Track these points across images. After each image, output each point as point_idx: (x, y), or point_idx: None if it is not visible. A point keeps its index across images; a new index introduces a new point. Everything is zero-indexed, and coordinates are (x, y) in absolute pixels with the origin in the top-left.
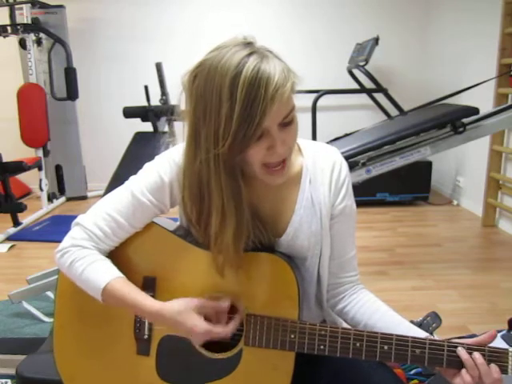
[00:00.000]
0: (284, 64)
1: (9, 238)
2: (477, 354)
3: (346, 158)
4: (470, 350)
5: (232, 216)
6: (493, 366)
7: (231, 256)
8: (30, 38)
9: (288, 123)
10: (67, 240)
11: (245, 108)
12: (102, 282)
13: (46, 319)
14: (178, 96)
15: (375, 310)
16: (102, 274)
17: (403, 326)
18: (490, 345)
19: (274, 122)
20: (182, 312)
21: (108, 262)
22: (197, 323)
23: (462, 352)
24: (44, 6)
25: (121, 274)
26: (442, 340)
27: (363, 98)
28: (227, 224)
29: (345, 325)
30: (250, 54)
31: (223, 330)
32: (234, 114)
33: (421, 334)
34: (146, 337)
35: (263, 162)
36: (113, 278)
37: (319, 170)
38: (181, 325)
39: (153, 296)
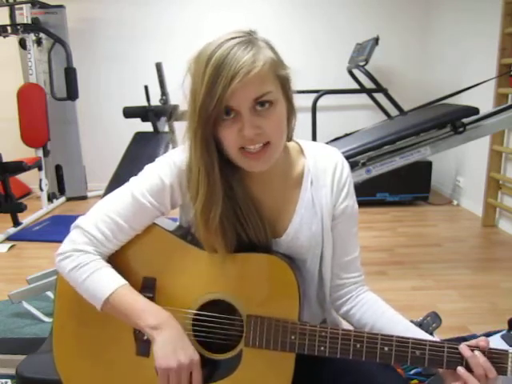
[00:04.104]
0: (267, 51)
1: (9, 238)
2: (478, 353)
3: (346, 158)
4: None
5: (204, 186)
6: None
7: (200, 231)
8: (30, 38)
9: (264, 110)
10: (68, 244)
11: (210, 84)
12: (108, 289)
13: (46, 319)
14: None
15: (381, 314)
16: (108, 282)
17: (410, 332)
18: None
19: (242, 103)
20: (185, 335)
21: (113, 270)
22: (196, 351)
23: (464, 349)
24: (44, 5)
25: (127, 282)
26: (442, 341)
27: (363, 98)
28: (199, 197)
29: (345, 325)
30: (232, 38)
31: (201, 381)
32: (202, 89)
33: (426, 337)
34: (145, 338)
35: (238, 145)
36: (120, 285)
37: (321, 171)
38: (182, 338)
39: (153, 296)
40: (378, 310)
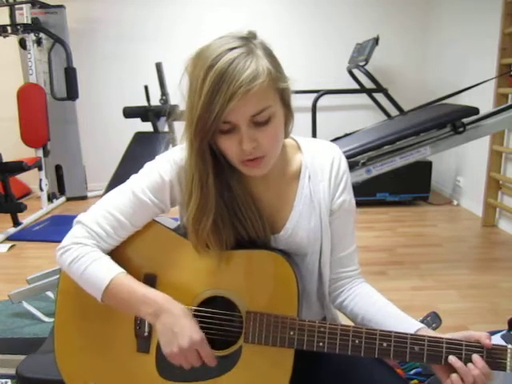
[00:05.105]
0: (267, 64)
1: (9, 238)
2: (472, 365)
3: (346, 158)
4: (469, 351)
5: (197, 195)
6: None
7: (191, 235)
8: (30, 38)
9: (261, 123)
10: (68, 238)
11: (208, 99)
12: (106, 278)
13: (46, 319)
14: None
15: (372, 304)
16: (106, 271)
17: (400, 320)
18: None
19: (240, 118)
20: (189, 314)
21: (111, 260)
22: (198, 328)
23: (453, 360)
24: (44, 5)
25: (124, 271)
26: (441, 337)
27: (363, 98)
28: (192, 202)
29: (344, 322)
30: (233, 48)
31: (211, 355)
32: (200, 102)
33: (416, 325)
34: (146, 334)
35: (240, 159)
36: (118, 272)
37: (318, 167)
38: (185, 319)
39: None
40: (370, 301)
